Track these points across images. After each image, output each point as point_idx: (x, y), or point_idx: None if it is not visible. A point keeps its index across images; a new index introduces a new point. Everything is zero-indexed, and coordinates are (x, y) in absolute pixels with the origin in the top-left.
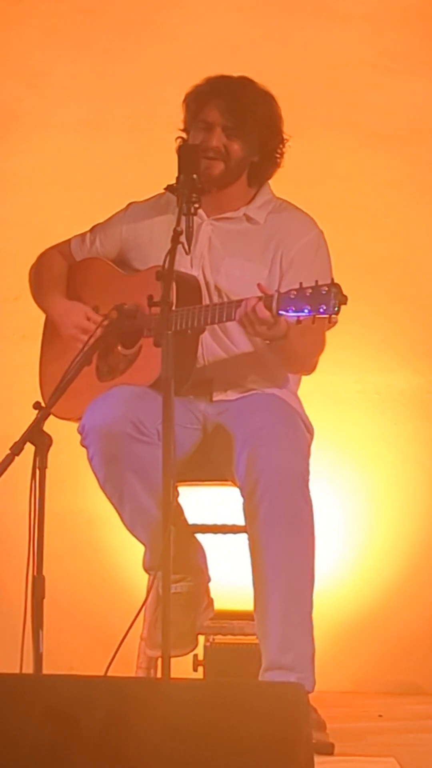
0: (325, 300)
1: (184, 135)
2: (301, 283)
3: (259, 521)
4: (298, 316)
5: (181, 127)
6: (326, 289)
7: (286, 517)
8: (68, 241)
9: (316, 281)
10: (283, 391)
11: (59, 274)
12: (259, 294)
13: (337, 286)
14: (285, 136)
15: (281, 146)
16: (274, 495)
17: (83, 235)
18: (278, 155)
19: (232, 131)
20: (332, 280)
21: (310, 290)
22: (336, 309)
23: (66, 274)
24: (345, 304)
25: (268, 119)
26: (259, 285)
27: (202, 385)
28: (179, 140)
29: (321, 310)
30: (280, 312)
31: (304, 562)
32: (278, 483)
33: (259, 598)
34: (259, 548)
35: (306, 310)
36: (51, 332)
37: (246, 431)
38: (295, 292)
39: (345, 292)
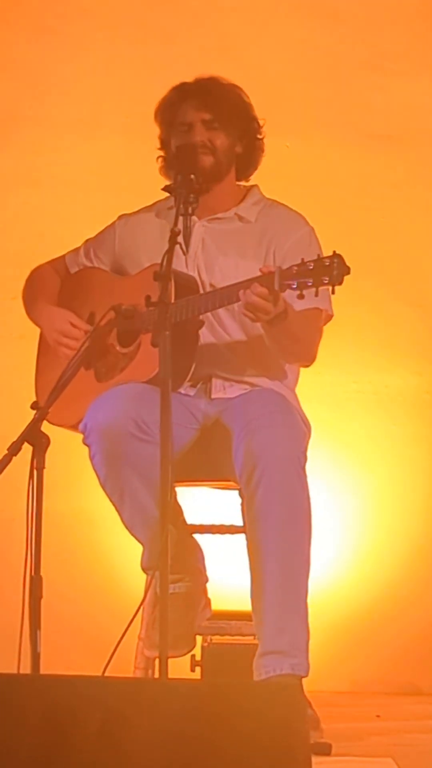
0: (328, 271)
1: (162, 153)
2: (302, 258)
3: (256, 505)
4: (302, 289)
5: (159, 145)
6: (329, 261)
7: (282, 501)
8: (63, 257)
9: (318, 254)
10: (281, 387)
11: (49, 287)
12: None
13: (340, 256)
14: (260, 122)
15: (260, 133)
16: (271, 480)
17: (76, 250)
18: (259, 140)
19: (212, 123)
20: (334, 252)
21: (312, 264)
22: (340, 279)
23: (57, 287)
24: (348, 274)
25: (242, 107)
26: (261, 269)
27: (201, 379)
28: (160, 159)
29: (325, 281)
30: (285, 283)
31: (301, 546)
32: (275, 468)
33: (255, 581)
34: (256, 533)
35: (309, 283)
36: (46, 341)
37: (243, 422)
38: (297, 267)
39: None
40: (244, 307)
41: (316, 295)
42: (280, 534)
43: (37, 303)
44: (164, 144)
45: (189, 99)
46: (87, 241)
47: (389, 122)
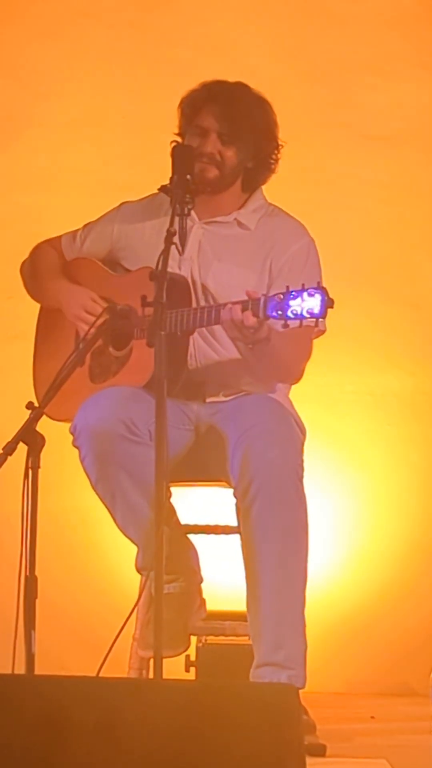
0: (312, 304)
1: (179, 139)
2: (287, 287)
3: (253, 519)
4: (286, 320)
5: (177, 131)
6: (313, 292)
7: (279, 514)
8: (59, 237)
9: (303, 284)
10: (275, 393)
11: (55, 264)
12: (244, 298)
13: (324, 290)
14: (280, 143)
15: (276, 152)
16: (268, 493)
17: (74, 232)
18: (273, 161)
19: (227, 137)
20: (318, 283)
21: (296, 293)
22: (323, 313)
23: (60, 265)
24: (331, 307)
25: (264, 125)
26: (247, 292)
27: (195, 387)
28: (174, 144)
29: (307, 315)
30: (268, 313)
31: (297, 559)
32: (272, 481)
33: (252, 595)
34: (252, 546)
35: (293, 315)
36: (44, 331)
37: (239, 430)
38: (282, 296)
39: (339, 294)
40: (225, 327)
41: (300, 325)
42: (277, 549)
43: (50, 280)
44: (181, 134)
45: (213, 104)
46: (86, 225)
47: (384, 123)
